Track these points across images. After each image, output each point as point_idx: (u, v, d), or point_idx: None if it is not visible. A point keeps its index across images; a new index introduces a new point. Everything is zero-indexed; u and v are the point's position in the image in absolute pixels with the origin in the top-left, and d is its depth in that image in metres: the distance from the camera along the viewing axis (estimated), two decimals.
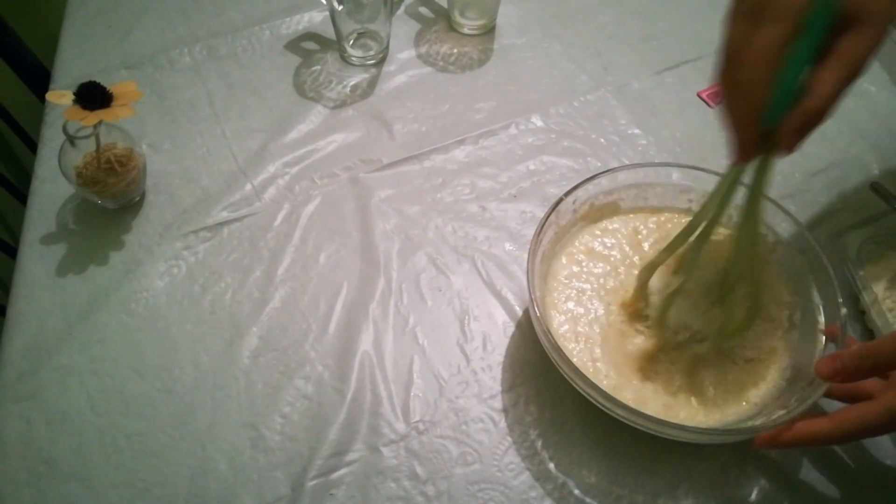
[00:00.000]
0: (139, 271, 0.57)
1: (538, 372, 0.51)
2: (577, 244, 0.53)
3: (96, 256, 0.58)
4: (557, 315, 0.50)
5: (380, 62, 0.72)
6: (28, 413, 0.49)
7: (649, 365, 0.48)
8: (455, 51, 0.73)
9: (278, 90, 0.70)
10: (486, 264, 0.57)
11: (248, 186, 0.62)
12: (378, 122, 0.67)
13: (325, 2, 0.75)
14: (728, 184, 0.43)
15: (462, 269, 0.57)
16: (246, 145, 0.65)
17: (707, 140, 0.66)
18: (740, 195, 0.43)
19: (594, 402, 0.44)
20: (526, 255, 0.47)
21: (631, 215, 0.55)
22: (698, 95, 0.69)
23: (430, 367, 0.52)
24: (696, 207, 0.54)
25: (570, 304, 0.50)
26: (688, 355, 0.48)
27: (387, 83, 0.70)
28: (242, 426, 0.49)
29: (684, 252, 0.47)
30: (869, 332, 0.52)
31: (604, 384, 0.46)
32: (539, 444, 0.48)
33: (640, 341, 0.49)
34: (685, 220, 0.54)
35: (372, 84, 0.71)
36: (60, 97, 0.53)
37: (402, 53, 0.73)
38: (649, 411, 0.45)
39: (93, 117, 0.52)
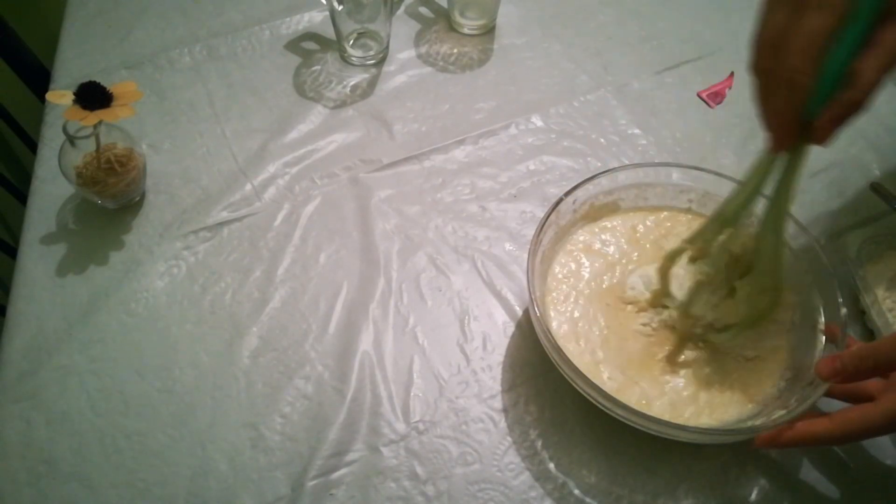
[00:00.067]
0: (139, 271, 0.57)
1: (538, 372, 0.51)
2: (576, 244, 0.53)
3: (96, 256, 0.58)
4: (557, 315, 0.50)
5: (380, 62, 0.72)
6: (28, 413, 0.49)
7: (651, 364, 0.48)
8: (455, 51, 0.73)
9: (278, 90, 0.70)
10: (486, 264, 0.57)
11: (248, 186, 0.62)
12: (378, 122, 0.67)
13: (325, 2, 0.75)
14: (762, 171, 0.42)
15: (462, 269, 0.57)
16: (246, 145, 0.65)
17: (707, 140, 0.66)
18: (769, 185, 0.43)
19: (594, 402, 0.44)
20: (526, 255, 0.47)
21: (630, 214, 0.55)
22: (698, 95, 0.69)
23: (430, 367, 0.52)
24: (696, 207, 0.54)
25: (570, 304, 0.50)
26: (691, 354, 0.48)
27: (387, 83, 0.70)
28: (242, 426, 0.49)
29: (706, 241, 0.47)
30: (869, 332, 0.52)
31: (605, 384, 0.46)
32: (539, 444, 0.48)
33: (640, 340, 0.49)
34: (684, 218, 0.54)
35: (372, 84, 0.71)
36: (60, 97, 0.53)
37: (402, 53, 0.73)
38: (653, 411, 0.45)
39: (93, 117, 0.52)
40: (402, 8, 0.78)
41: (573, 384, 0.44)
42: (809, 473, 0.47)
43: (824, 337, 0.46)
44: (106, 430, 0.49)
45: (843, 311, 0.45)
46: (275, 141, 0.65)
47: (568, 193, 0.51)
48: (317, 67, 0.72)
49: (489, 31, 0.75)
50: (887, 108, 0.67)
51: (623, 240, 0.54)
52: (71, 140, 0.54)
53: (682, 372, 0.47)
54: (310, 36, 0.75)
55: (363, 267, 0.57)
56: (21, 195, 0.78)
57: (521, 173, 0.63)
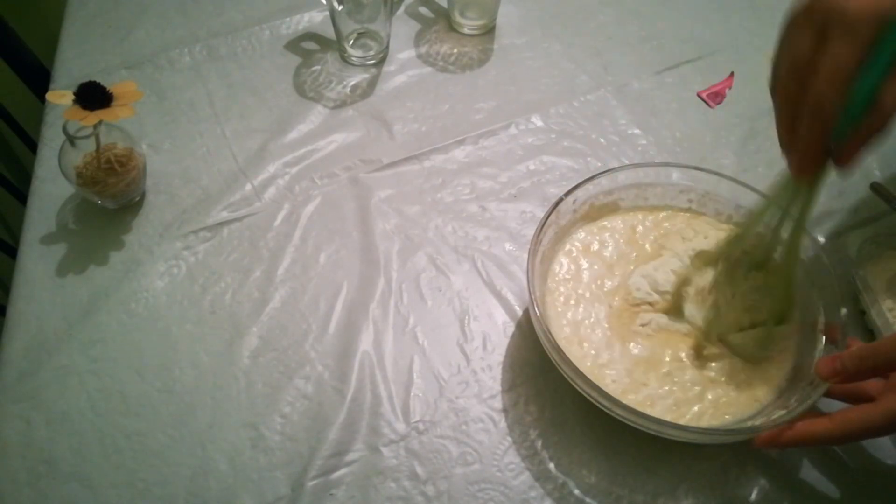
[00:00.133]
0: (139, 271, 0.57)
1: (538, 372, 0.51)
2: (576, 244, 0.53)
3: (96, 256, 0.58)
4: (557, 315, 0.50)
5: (380, 62, 0.72)
6: (28, 413, 0.49)
7: (656, 365, 0.48)
8: (455, 51, 0.73)
9: (278, 90, 0.70)
10: (486, 264, 0.57)
11: (248, 186, 0.62)
12: (378, 122, 0.67)
13: (325, 2, 0.75)
14: (781, 195, 0.43)
15: (462, 269, 0.57)
16: (246, 145, 0.65)
17: (707, 140, 0.66)
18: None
19: (594, 402, 0.44)
20: (526, 255, 0.47)
21: (630, 214, 0.55)
22: (698, 95, 0.69)
23: (430, 367, 0.52)
24: (696, 207, 0.54)
25: (570, 304, 0.50)
26: (698, 354, 0.48)
27: (387, 83, 0.70)
28: (242, 426, 0.49)
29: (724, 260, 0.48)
30: (869, 332, 0.52)
31: (609, 386, 0.46)
32: (539, 444, 0.48)
33: (644, 341, 0.49)
34: (683, 217, 0.54)
35: (372, 84, 0.71)
36: (60, 97, 0.53)
37: (402, 53, 0.73)
38: (656, 411, 0.45)
39: (93, 117, 0.52)
40: (402, 8, 0.78)
41: (573, 384, 0.44)
42: (809, 473, 0.47)
43: (824, 337, 0.46)
44: (106, 430, 0.49)
45: (843, 311, 0.45)
46: (275, 141, 0.65)
47: (568, 193, 0.51)
48: (317, 67, 0.72)
49: (489, 31, 0.75)
50: None
51: (622, 240, 0.54)
52: (71, 140, 0.54)
53: (689, 373, 0.47)
54: (310, 36, 0.75)
55: (363, 267, 0.57)
56: (21, 195, 0.78)
57: (521, 173, 0.63)
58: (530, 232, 0.55)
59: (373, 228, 0.59)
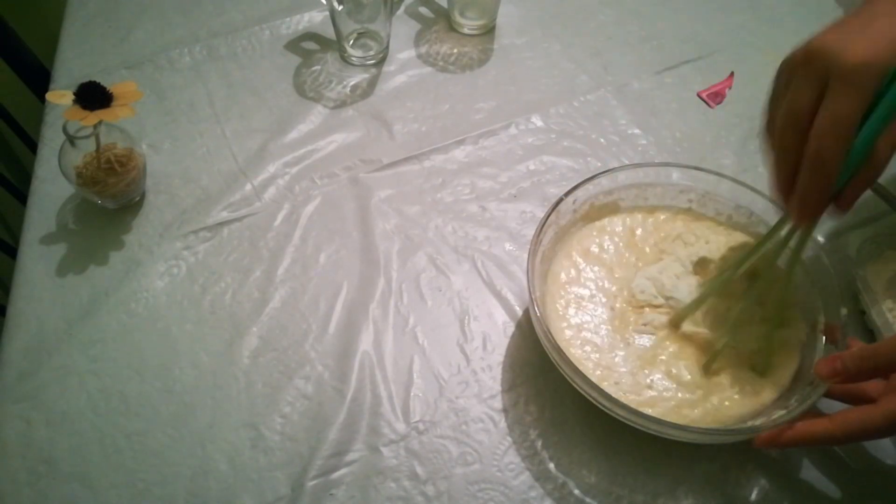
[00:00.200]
0: (139, 271, 0.57)
1: (538, 372, 0.51)
2: (576, 244, 0.53)
3: (96, 256, 0.58)
4: (557, 315, 0.50)
5: (380, 62, 0.72)
6: (28, 413, 0.49)
7: (654, 365, 0.48)
8: (455, 51, 0.73)
9: (278, 90, 0.70)
10: (486, 264, 0.57)
11: (248, 186, 0.62)
12: (378, 122, 0.67)
13: (325, 2, 0.75)
14: (777, 237, 0.44)
15: (462, 269, 0.57)
16: (246, 145, 0.65)
17: (707, 140, 0.66)
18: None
19: (594, 402, 0.44)
20: (526, 255, 0.47)
21: (630, 215, 0.55)
22: (698, 95, 0.69)
23: (430, 367, 0.52)
24: (696, 207, 0.54)
25: (571, 304, 0.50)
26: (695, 355, 0.48)
27: (387, 83, 0.70)
28: (242, 426, 0.49)
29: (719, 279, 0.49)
30: (869, 333, 0.52)
31: (605, 384, 0.46)
32: (539, 444, 0.48)
33: (644, 342, 0.49)
34: (683, 218, 0.54)
35: (372, 84, 0.71)
36: (60, 97, 0.53)
37: (402, 53, 0.73)
38: (655, 412, 0.45)
39: (93, 117, 0.52)
40: (402, 8, 0.78)
41: (573, 384, 0.44)
42: (809, 473, 0.47)
43: (824, 337, 0.46)
44: (106, 430, 0.49)
45: (843, 311, 0.45)
46: (275, 141, 0.65)
47: (568, 193, 0.51)
48: (317, 67, 0.72)
49: (489, 31, 0.75)
50: None
51: (622, 242, 0.54)
52: (71, 140, 0.54)
53: (691, 377, 0.47)
54: (310, 36, 0.75)
55: (363, 267, 0.57)
56: (21, 195, 0.78)
57: (521, 173, 0.63)
58: (530, 232, 0.55)
59: (373, 228, 0.59)
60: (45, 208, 0.61)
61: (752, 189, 0.51)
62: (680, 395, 0.46)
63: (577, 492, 0.46)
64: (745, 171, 0.62)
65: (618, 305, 0.51)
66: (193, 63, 0.72)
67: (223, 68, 0.72)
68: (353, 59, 0.72)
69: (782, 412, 0.42)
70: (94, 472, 0.47)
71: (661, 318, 0.49)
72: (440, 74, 0.71)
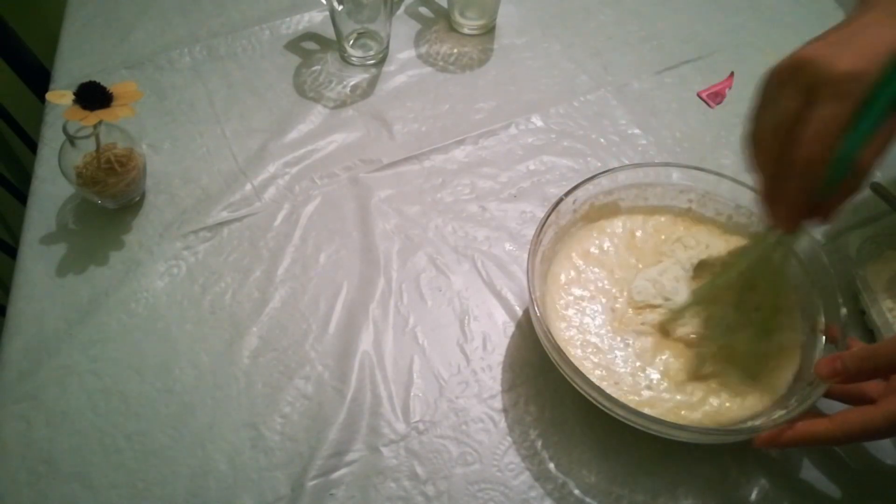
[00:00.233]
0: (139, 271, 0.57)
1: (538, 372, 0.51)
2: (576, 244, 0.53)
3: (96, 256, 0.58)
4: (557, 315, 0.50)
5: (380, 62, 0.72)
6: (28, 413, 0.49)
7: (653, 365, 0.48)
8: (455, 51, 0.73)
9: (278, 90, 0.70)
10: (486, 264, 0.57)
11: (248, 186, 0.62)
12: (378, 122, 0.67)
13: (325, 2, 0.75)
14: (766, 246, 0.45)
15: (462, 269, 0.57)
16: (246, 145, 0.65)
17: (707, 140, 0.66)
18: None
19: (594, 402, 0.44)
20: (526, 255, 0.47)
21: (630, 217, 0.55)
22: (698, 95, 0.69)
23: (430, 367, 0.52)
24: (696, 207, 0.54)
25: (571, 304, 0.50)
26: (695, 355, 0.48)
27: (387, 83, 0.70)
28: (242, 426, 0.49)
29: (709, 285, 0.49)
30: (869, 332, 0.52)
31: (605, 384, 0.46)
32: (539, 444, 0.48)
33: (643, 343, 0.49)
34: (684, 222, 0.54)
35: (372, 84, 0.71)
36: (60, 97, 0.53)
37: (402, 53, 0.73)
38: (654, 411, 0.45)
39: (93, 117, 0.52)
40: (402, 8, 0.78)
41: (573, 384, 0.44)
42: (809, 473, 0.47)
43: (824, 337, 0.46)
44: (106, 430, 0.49)
45: (843, 311, 0.45)
46: (275, 141, 0.65)
47: (568, 193, 0.51)
48: (317, 67, 0.72)
49: (489, 31, 0.75)
50: None
51: (622, 244, 0.53)
52: (71, 140, 0.54)
53: (690, 377, 0.47)
54: (310, 36, 0.75)
55: (363, 267, 0.57)
56: (21, 195, 0.78)
57: (521, 173, 0.63)
58: (530, 232, 0.55)
59: (373, 228, 0.59)
60: (45, 208, 0.61)
61: (753, 189, 0.51)
62: (679, 396, 0.46)
63: (577, 492, 0.46)
64: (745, 171, 0.62)
65: (618, 306, 0.50)
66: (193, 63, 0.72)
67: (223, 68, 0.72)
68: (353, 59, 0.72)
69: (782, 412, 0.42)
70: (94, 472, 0.47)
71: (661, 319, 0.49)
72: (440, 74, 0.71)
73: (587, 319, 0.50)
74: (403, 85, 0.70)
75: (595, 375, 0.47)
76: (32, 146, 0.83)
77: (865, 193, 0.60)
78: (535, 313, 0.45)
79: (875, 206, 0.60)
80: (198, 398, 0.50)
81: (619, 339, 0.49)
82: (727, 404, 0.46)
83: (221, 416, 0.49)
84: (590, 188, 0.52)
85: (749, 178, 0.52)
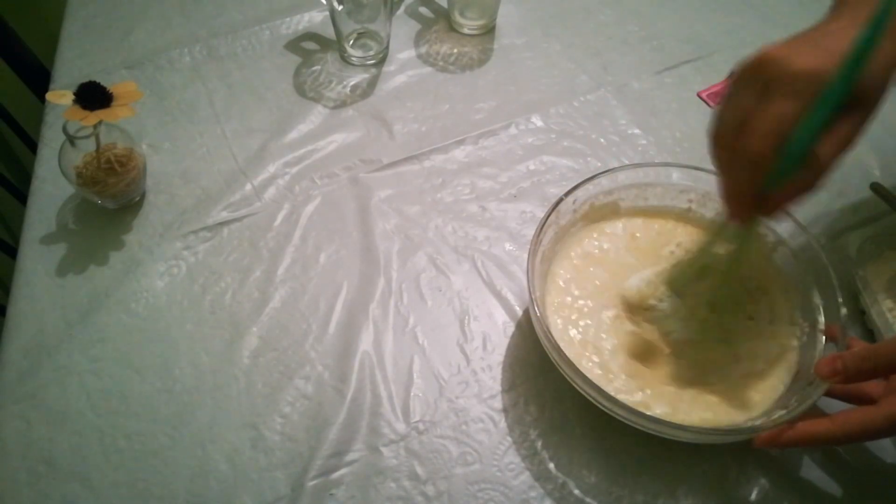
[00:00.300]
0: (139, 271, 0.57)
1: (538, 372, 0.51)
2: (576, 244, 0.53)
3: (96, 256, 0.58)
4: (557, 315, 0.50)
5: (380, 62, 0.72)
6: (28, 413, 0.49)
7: (652, 364, 0.48)
8: (455, 51, 0.73)
9: (278, 90, 0.70)
10: (486, 264, 0.57)
11: (248, 186, 0.62)
12: (378, 122, 0.67)
13: (325, 2, 0.75)
14: (718, 234, 0.45)
15: (462, 269, 0.57)
16: (246, 145, 0.65)
17: (707, 140, 0.66)
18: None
19: (594, 402, 0.44)
20: (526, 255, 0.47)
21: (630, 219, 0.55)
22: (698, 95, 0.69)
23: (430, 367, 0.52)
24: (696, 207, 0.54)
25: (571, 304, 0.50)
26: (693, 356, 0.48)
27: (387, 83, 0.70)
28: (242, 426, 0.49)
29: (676, 270, 0.49)
30: (869, 332, 0.52)
31: (605, 384, 0.46)
32: (539, 444, 0.48)
33: (643, 342, 0.49)
34: (685, 227, 0.54)
35: (372, 84, 0.71)
36: (60, 97, 0.53)
37: (402, 53, 0.73)
38: (654, 411, 0.45)
39: (93, 117, 0.52)
40: (402, 8, 0.78)
41: (573, 384, 0.44)
42: (810, 473, 0.47)
43: (824, 337, 0.46)
44: (106, 430, 0.49)
45: (843, 311, 0.45)
46: (275, 141, 0.65)
47: (568, 193, 0.51)
48: (317, 67, 0.72)
49: (489, 31, 0.75)
50: (888, 109, 0.67)
51: (622, 244, 0.53)
52: (71, 140, 0.54)
53: (689, 376, 0.47)
54: (310, 36, 0.75)
55: (363, 267, 0.57)
56: (21, 195, 0.78)
57: (521, 173, 0.63)
58: (530, 232, 0.55)
59: (373, 228, 0.59)
60: (45, 208, 0.61)
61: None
62: (677, 395, 0.46)
63: (577, 492, 0.46)
64: None
65: (617, 306, 0.50)
66: (193, 63, 0.72)
67: (223, 68, 0.72)
68: (353, 59, 0.72)
69: (782, 412, 0.42)
70: (94, 472, 0.47)
71: (654, 320, 0.49)
72: (440, 74, 0.71)
73: (587, 318, 0.50)
74: (403, 85, 0.70)
75: (595, 375, 0.47)
76: (32, 146, 0.83)
77: (865, 193, 0.61)
78: (535, 313, 0.45)
79: (875, 206, 0.60)
80: (198, 398, 0.50)
81: (618, 338, 0.49)
82: (727, 404, 0.45)
83: (221, 416, 0.49)
84: (590, 188, 0.52)
85: None
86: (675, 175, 0.54)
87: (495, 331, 0.53)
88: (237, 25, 0.75)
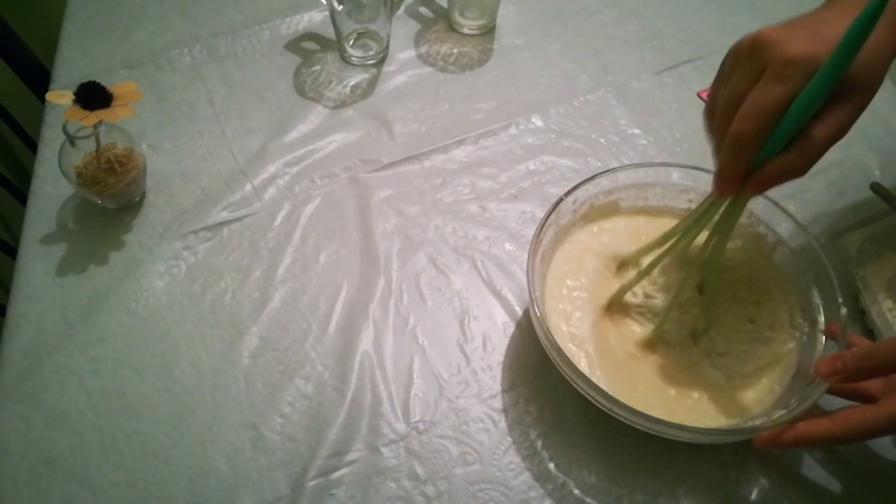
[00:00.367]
0: (139, 271, 0.57)
1: (538, 372, 0.51)
2: (576, 245, 0.53)
3: (96, 256, 0.58)
4: (557, 315, 0.50)
5: (380, 62, 0.72)
6: (28, 413, 0.49)
7: (651, 364, 0.48)
8: (455, 51, 0.73)
9: (278, 90, 0.70)
10: (486, 264, 0.57)
11: (248, 186, 0.62)
12: (378, 122, 0.67)
13: (325, 2, 0.75)
14: (705, 209, 0.46)
15: (462, 269, 0.57)
16: (246, 145, 0.65)
17: (706, 140, 0.66)
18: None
19: (594, 402, 0.44)
20: (526, 255, 0.47)
21: (632, 218, 0.55)
22: (698, 95, 0.70)
23: (430, 367, 0.52)
24: (696, 207, 0.54)
25: (571, 304, 0.50)
26: (692, 355, 0.48)
27: (387, 83, 0.70)
28: (242, 426, 0.49)
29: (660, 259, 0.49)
30: (869, 332, 0.52)
31: (604, 384, 0.46)
32: (539, 444, 0.48)
33: (641, 341, 0.49)
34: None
35: (372, 84, 0.71)
36: (60, 97, 0.53)
37: (402, 53, 0.73)
38: (651, 411, 0.45)
39: (93, 117, 0.52)
40: (402, 8, 0.78)
41: (573, 384, 0.44)
42: (810, 473, 0.47)
43: (825, 337, 0.46)
44: (106, 430, 0.49)
45: (843, 311, 0.45)
46: (275, 141, 0.65)
47: (568, 193, 0.51)
48: (317, 67, 0.72)
49: (489, 31, 0.75)
50: (888, 109, 0.67)
51: (622, 243, 0.53)
52: (71, 140, 0.54)
53: (689, 376, 0.47)
54: (310, 36, 0.75)
55: (363, 267, 0.57)
56: (21, 195, 0.78)
57: (521, 173, 0.63)
58: (530, 232, 0.55)
59: (373, 228, 0.59)
60: (45, 208, 0.61)
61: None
62: (677, 394, 0.46)
63: (577, 492, 0.46)
64: None
65: (617, 305, 0.50)
66: (193, 63, 0.72)
67: (223, 68, 0.72)
68: (353, 59, 0.72)
69: (782, 412, 0.42)
70: (94, 472, 0.47)
71: (652, 317, 0.50)
72: (440, 74, 0.71)
73: (587, 318, 0.50)
74: (403, 85, 0.70)
75: (595, 376, 0.47)
76: (32, 146, 0.83)
77: (865, 193, 0.61)
78: (535, 313, 0.45)
79: (875, 206, 0.60)
80: (198, 398, 0.50)
81: (619, 338, 0.49)
82: (727, 404, 0.45)
83: (221, 416, 0.49)
84: (590, 188, 0.52)
85: None
86: (675, 175, 0.54)
87: (495, 331, 0.53)
88: (237, 25, 0.75)
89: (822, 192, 0.61)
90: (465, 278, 0.56)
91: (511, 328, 0.54)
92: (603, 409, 0.44)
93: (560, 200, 0.50)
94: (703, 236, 0.48)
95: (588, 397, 0.44)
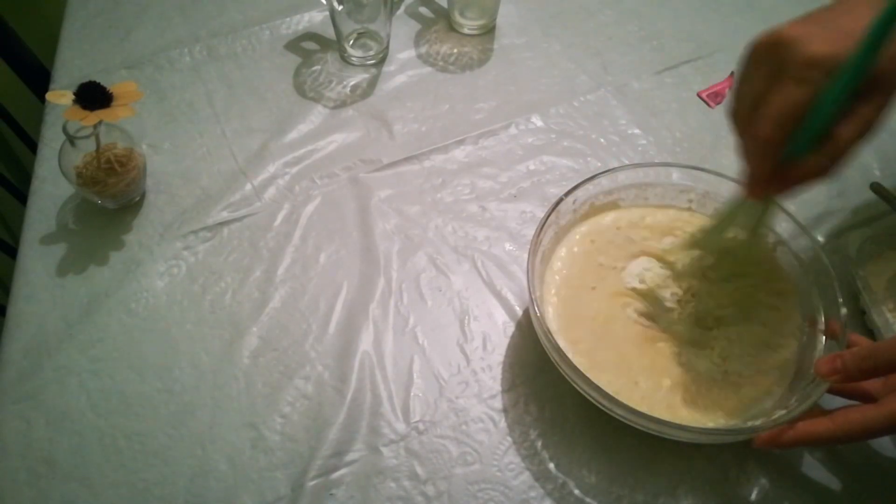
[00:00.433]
0: (139, 271, 0.57)
1: (538, 372, 0.51)
2: (576, 244, 0.53)
3: (96, 256, 0.58)
4: (557, 315, 0.50)
5: (380, 62, 0.72)
6: (28, 413, 0.49)
7: (653, 364, 0.48)
8: (455, 51, 0.73)
9: (278, 90, 0.70)
10: (486, 264, 0.57)
11: (248, 186, 0.62)
12: (378, 122, 0.67)
13: (325, 2, 0.75)
14: (737, 209, 0.45)
15: (462, 269, 0.57)
16: (246, 145, 0.65)
17: (707, 140, 0.66)
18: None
19: (594, 402, 0.44)
20: (526, 255, 0.47)
21: (630, 211, 0.55)
22: (698, 95, 0.70)
23: (430, 367, 0.52)
24: (696, 207, 0.54)
25: (571, 304, 0.50)
26: (694, 355, 0.48)
27: (387, 83, 0.70)
28: (242, 426, 0.49)
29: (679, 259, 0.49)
30: (869, 332, 0.52)
31: (605, 384, 0.46)
32: (539, 444, 0.48)
33: (642, 340, 0.49)
34: (684, 216, 0.54)
35: (372, 84, 0.71)
36: (60, 97, 0.53)
37: (402, 53, 0.73)
38: (651, 411, 0.44)
39: (93, 117, 0.52)
40: (402, 8, 0.78)
41: (573, 384, 0.44)
42: (810, 473, 0.47)
43: (825, 337, 0.46)
44: (106, 430, 0.49)
45: (843, 311, 0.45)
46: (275, 141, 0.65)
47: (568, 193, 0.51)
48: (317, 67, 0.72)
49: (489, 31, 0.75)
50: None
51: (623, 242, 0.53)
52: (71, 140, 0.54)
53: (689, 375, 0.47)
54: (310, 36, 0.75)
55: (363, 267, 0.57)
56: (21, 195, 0.78)
57: (521, 173, 0.63)
58: (530, 232, 0.55)
59: (373, 228, 0.59)
60: (45, 208, 0.61)
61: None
62: (678, 394, 0.46)
63: (577, 492, 0.46)
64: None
65: (616, 304, 0.50)
66: (193, 63, 0.72)
67: (223, 68, 0.72)
68: (353, 59, 0.72)
69: (782, 412, 0.42)
70: (94, 472, 0.47)
71: (658, 317, 0.49)
72: (440, 74, 0.71)
73: (587, 318, 0.50)
74: (403, 85, 0.70)
75: (595, 375, 0.46)
76: (32, 146, 0.83)
77: (865, 193, 0.61)
78: (535, 313, 0.45)
79: (875, 206, 0.60)
80: (198, 398, 0.50)
81: (619, 337, 0.49)
82: (727, 404, 0.45)
83: (221, 416, 0.49)
84: (590, 188, 0.52)
85: None
86: (675, 175, 0.54)
87: (495, 331, 0.53)
88: (237, 25, 0.75)
89: (822, 192, 0.61)
90: (465, 278, 0.56)
91: (511, 328, 0.54)
92: (603, 408, 0.44)
93: (560, 200, 0.50)
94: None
95: (588, 397, 0.44)
